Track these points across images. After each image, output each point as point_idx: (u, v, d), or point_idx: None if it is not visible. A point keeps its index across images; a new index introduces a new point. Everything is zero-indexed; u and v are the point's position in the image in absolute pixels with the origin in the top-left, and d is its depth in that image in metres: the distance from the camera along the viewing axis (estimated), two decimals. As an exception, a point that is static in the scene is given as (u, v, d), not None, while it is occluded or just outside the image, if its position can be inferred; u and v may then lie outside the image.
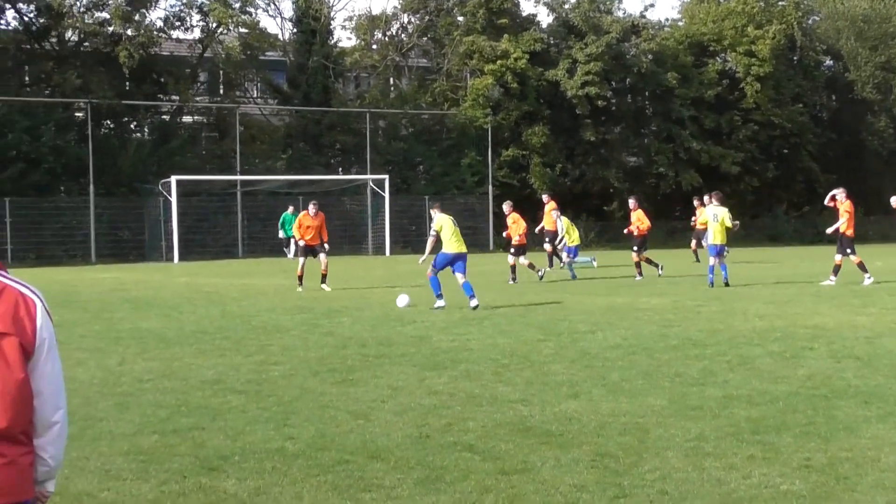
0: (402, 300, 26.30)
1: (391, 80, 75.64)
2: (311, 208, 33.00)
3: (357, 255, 57.16)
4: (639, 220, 37.54)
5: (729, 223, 32.89)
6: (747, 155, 74.93)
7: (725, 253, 33.19)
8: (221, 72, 70.71)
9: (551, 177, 68.89)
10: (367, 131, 65.72)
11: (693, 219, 43.52)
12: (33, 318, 5.03)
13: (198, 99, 69.50)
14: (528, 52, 68.40)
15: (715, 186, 70.28)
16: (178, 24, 64.90)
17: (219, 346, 18.97)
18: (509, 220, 36.92)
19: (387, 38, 74.96)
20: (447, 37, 71.18)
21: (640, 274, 36.15)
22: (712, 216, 33.29)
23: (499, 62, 67.90)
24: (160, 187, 55.85)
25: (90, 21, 61.12)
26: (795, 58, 79.40)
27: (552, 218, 40.53)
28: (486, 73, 68.42)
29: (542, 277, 35.88)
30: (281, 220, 54.18)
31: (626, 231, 38.83)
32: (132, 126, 65.18)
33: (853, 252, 32.20)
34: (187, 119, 68.97)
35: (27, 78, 63.77)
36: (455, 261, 26.24)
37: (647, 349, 18.03)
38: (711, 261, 32.66)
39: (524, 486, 9.55)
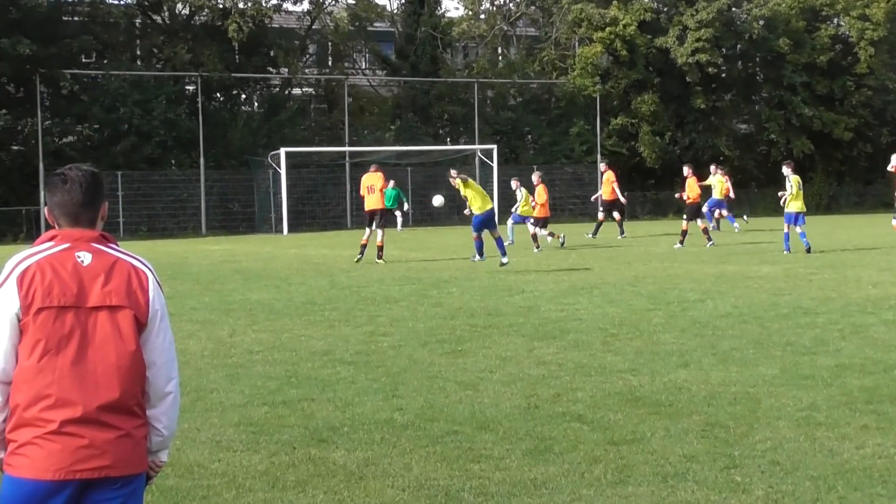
0: (437, 200, 31.69)
1: (499, 49, 75.41)
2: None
3: (466, 226, 57.12)
4: (689, 189, 37.44)
5: (796, 189, 32.70)
6: (860, 121, 73.64)
7: (802, 222, 32.70)
8: (330, 44, 70.97)
9: (661, 145, 68.32)
10: (476, 101, 65.60)
11: (679, 193, 41.91)
12: (146, 290, 5.12)
13: (307, 71, 69.78)
14: (637, 20, 67.80)
15: (827, 153, 69.61)
16: (287, -4, 65.20)
17: (328, 318, 19.09)
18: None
19: (494, 8, 74.72)
20: (555, 5, 70.75)
21: (710, 239, 36.13)
22: (789, 185, 32.89)
23: (608, 30, 67.34)
24: (269, 159, 56.21)
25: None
26: (911, 21, 77.88)
27: (610, 188, 41.42)
28: (594, 42, 67.93)
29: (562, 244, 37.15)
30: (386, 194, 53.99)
31: (677, 196, 39.14)
32: (242, 99, 65.59)
33: None
34: (296, 91, 69.26)
35: (138, 52, 64.41)
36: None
37: (757, 318, 17.88)
38: (786, 228, 32.70)
39: (634, 457, 9.52)
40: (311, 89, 71.03)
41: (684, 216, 37.67)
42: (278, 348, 15.75)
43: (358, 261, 31.12)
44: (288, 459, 9.67)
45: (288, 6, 65.95)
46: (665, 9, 71.85)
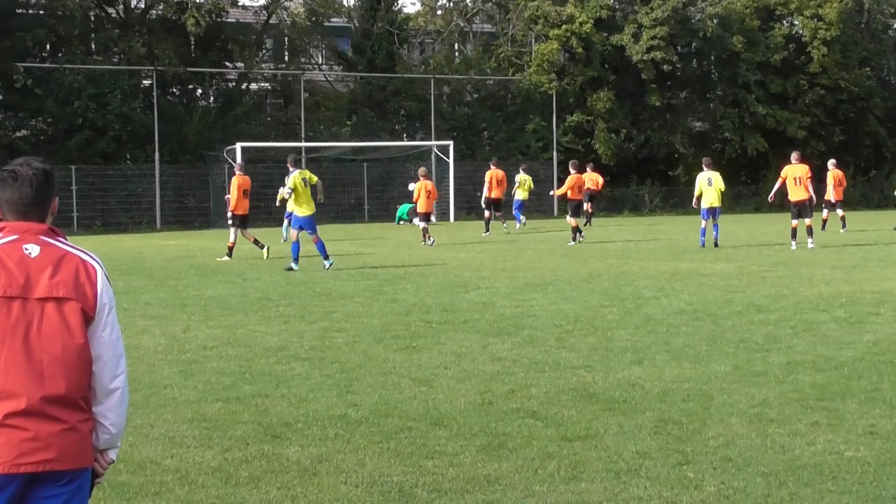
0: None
1: (456, 45, 75.45)
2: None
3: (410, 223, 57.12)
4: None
5: (722, 186, 34.73)
6: (814, 119, 74.12)
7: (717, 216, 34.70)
8: (286, 39, 70.80)
9: (616, 142, 68.52)
10: (432, 97, 65.64)
11: (553, 191, 43.80)
12: (94, 284, 5.10)
13: (263, 66, 69.65)
14: (593, 17, 67.97)
15: (781, 151, 69.69)
16: (244, -9, 65.03)
17: (283, 314, 19.05)
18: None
19: (451, 4, 74.77)
20: (512, 1, 70.82)
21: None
22: (707, 180, 34.46)
23: (564, 27, 67.47)
24: (225, 154, 56.01)
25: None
26: (863, 21, 78.33)
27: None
28: (550, 39, 68.04)
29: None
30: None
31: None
32: (198, 93, 65.36)
33: None
34: (252, 86, 69.12)
35: (94, 46, 64.05)
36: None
37: (711, 315, 17.95)
38: (703, 223, 34.13)
39: (587, 453, 9.54)
40: (267, 84, 70.89)
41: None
42: (232, 344, 15.71)
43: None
44: (241, 455, 9.65)
45: (245, 1, 65.75)
46: (620, 7, 72.11)
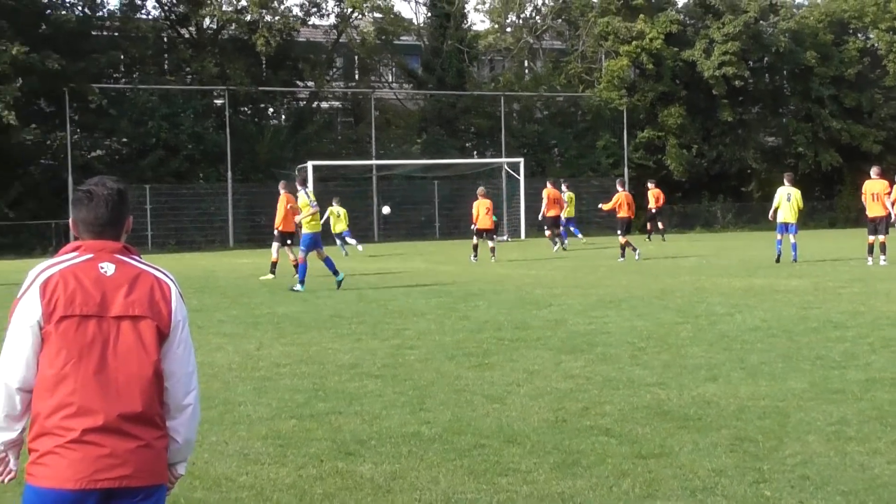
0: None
1: (525, 62, 75.48)
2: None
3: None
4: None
5: (801, 204, 35.20)
6: (889, 133, 73.43)
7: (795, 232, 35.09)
8: (356, 57, 71.15)
9: (687, 158, 68.29)
10: (502, 114, 65.73)
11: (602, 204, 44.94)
12: (168, 301, 5.14)
13: (333, 84, 69.98)
14: (663, 33, 67.78)
15: (856, 166, 69.15)
16: (313, 10, 65.35)
17: (355, 331, 19.07)
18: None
19: (521, 21, 74.83)
20: (581, 18, 70.79)
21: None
22: (786, 195, 34.94)
23: (634, 43, 67.39)
24: (297, 172, 56.24)
25: (228, 8, 61.78)
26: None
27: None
28: (621, 55, 67.96)
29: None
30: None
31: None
32: (269, 112, 65.85)
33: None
34: (323, 105, 69.46)
35: (166, 66, 64.66)
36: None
37: (786, 331, 17.78)
38: (779, 236, 34.81)
39: (662, 471, 9.46)
40: (337, 103, 71.20)
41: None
42: (305, 361, 15.74)
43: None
44: (315, 473, 9.65)
45: (315, 20, 66.12)
46: (692, 22, 71.80)
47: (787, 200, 34.86)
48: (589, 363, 15.09)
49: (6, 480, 5.19)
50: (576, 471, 9.53)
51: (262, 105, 64.43)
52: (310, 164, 54.37)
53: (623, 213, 38.95)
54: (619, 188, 39.85)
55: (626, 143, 66.92)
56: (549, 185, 46.19)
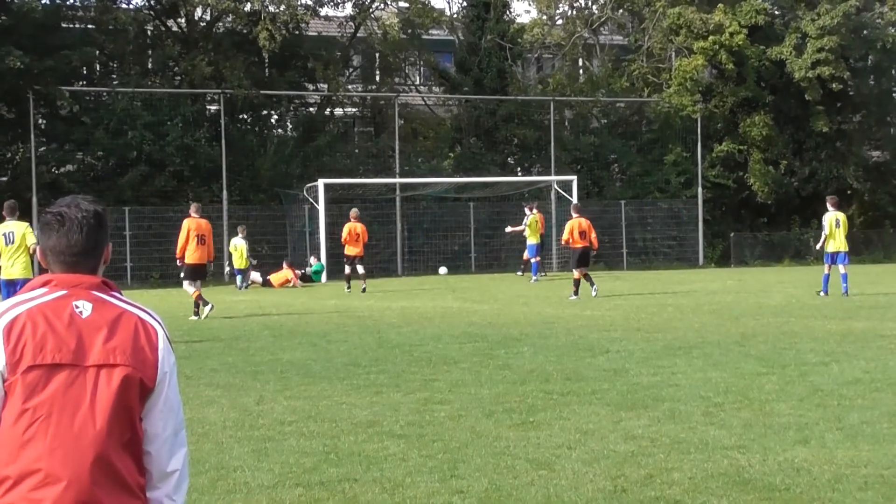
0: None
1: (580, 61, 75.57)
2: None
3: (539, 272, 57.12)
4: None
5: (846, 230, 36.93)
6: None
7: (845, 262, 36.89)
8: (378, 55, 71.25)
9: (774, 176, 68.14)
10: (552, 123, 65.69)
11: (509, 228, 45.86)
12: (155, 349, 5.08)
13: (350, 87, 70.13)
14: (746, 26, 67.64)
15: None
16: (326, -2, 65.55)
17: (374, 382, 19.11)
18: None
19: (574, 11, 74.91)
20: (647, 8, 70.83)
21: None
22: (835, 221, 36.78)
23: (711, 38, 67.30)
24: (305, 192, 56.50)
25: (225, -3, 62.04)
26: None
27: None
28: (695, 52, 67.88)
29: None
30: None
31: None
32: (273, 121, 66.01)
33: None
34: (338, 111, 69.65)
35: (151, 65, 64.91)
36: None
37: (893, 385, 17.75)
38: (827, 269, 36.59)
39: (741, 552, 9.47)
40: (355, 109, 71.38)
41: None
42: (314, 418, 15.78)
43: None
44: (325, 552, 9.68)
45: (328, 10, 66.13)
46: (780, 13, 71.61)
47: (836, 227, 36.49)
48: (654, 422, 15.10)
49: None
50: (638, 551, 9.55)
51: (265, 112, 64.61)
52: (321, 183, 54.56)
53: (576, 244, 39.45)
54: (573, 214, 41.04)
55: (700, 158, 66.81)
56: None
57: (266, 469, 12.69)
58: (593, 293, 37.98)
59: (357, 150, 68.91)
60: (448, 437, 14.34)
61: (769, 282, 45.68)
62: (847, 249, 36.79)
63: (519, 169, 69.08)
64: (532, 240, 49.55)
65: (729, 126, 69.24)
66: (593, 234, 39.57)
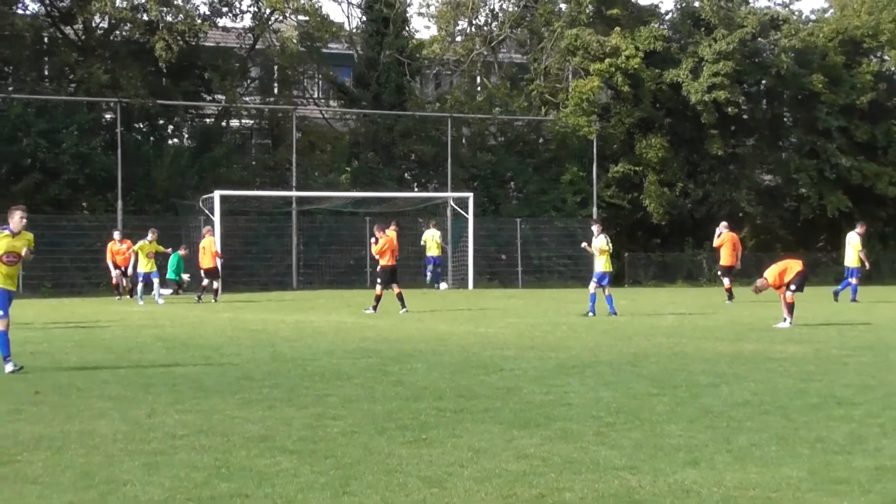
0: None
1: (478, 78, 75.74)
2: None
3: (434, 288, 57.11)
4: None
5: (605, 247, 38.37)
6: (908, 174, 73.96)
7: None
8: (276, 67, 71.09)
9: (669, 198, 68.60)
10: (449, 140, 65.75)
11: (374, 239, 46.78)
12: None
13: (247, 99, 69.92)
14: (644, 50, 68.02)
15: (868, 210, 69.80)
16: (224, 9, 65.33)
17: (267, 396, 19.04)
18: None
19: (473, 28, 75.04)
20: (546, 28, 71.12)
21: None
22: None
23: (608, 60, 67.65)
24: (201, 204, 56.24)
25: (122, 5, 61.61)
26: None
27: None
28: (591, 74, 68.19)
29: None
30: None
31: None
32: (169, 130, 65.67)
33: None
34: (234, 123, 69.41)
35: (46, 72, 64.40)
36: None
37: (781, 407, 17.89)
38: (592, 288, 38.32)
39: (631, 573, 9.52)
40: (252, 121, 71.15)
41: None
42: (206, 432, 15.70)
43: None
44: (216, 567, 9.64)
45: (226, 21, 65.93)
46: (677, 37, 72.11)
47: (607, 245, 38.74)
48: (546, 441, 15.14)
49: None
50: (528, 570, 9.57)
51: (161, 121, 64.30)
52: (217, 194, 54.28)
53: (385, 261, 40.70)
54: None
55: (595, 179, 67.12)
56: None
57: (157, 483, 12.59)
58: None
59: (254, 162, 68.74)
60: (341, 453, 14.30)
61: (662, 302, 45.97)
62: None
63: (416, 184, 69.14)
64: (433, 252, 50.54)
65: (625, 147, 69.69)
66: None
